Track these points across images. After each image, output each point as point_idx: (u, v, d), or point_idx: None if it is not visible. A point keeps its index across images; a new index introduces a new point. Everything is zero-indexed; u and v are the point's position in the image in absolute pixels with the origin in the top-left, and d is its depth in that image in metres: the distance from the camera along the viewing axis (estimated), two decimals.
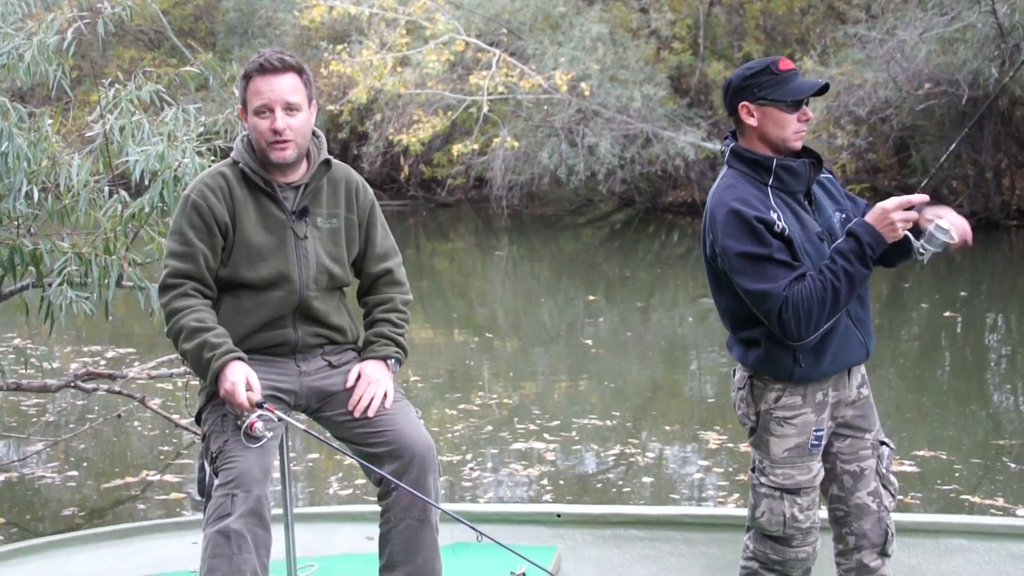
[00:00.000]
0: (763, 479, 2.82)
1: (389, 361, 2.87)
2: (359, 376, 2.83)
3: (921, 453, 5.54)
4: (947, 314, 9.56)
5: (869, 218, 2.66)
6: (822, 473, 2.82)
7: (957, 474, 5.29)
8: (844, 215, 2.84)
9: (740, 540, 2.96)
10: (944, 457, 5.53)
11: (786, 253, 2.66)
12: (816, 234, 2.74)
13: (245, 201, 2.77)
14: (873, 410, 2.89)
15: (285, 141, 2.74)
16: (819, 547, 2.86)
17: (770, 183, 2.74)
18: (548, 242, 16.25)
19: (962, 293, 10.73)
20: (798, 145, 2.76)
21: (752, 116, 2.74)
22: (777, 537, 2.82)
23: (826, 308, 2.63)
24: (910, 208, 2.64)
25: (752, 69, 2.74)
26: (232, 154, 2.85)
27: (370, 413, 2.77)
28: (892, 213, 2.63)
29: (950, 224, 2.65)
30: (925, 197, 2.67)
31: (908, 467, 5.31)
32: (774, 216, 2.67)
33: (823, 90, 2.76)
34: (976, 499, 4.93)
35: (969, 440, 5.99)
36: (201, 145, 4.34)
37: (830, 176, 2.91)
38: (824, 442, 2.81)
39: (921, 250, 2.68)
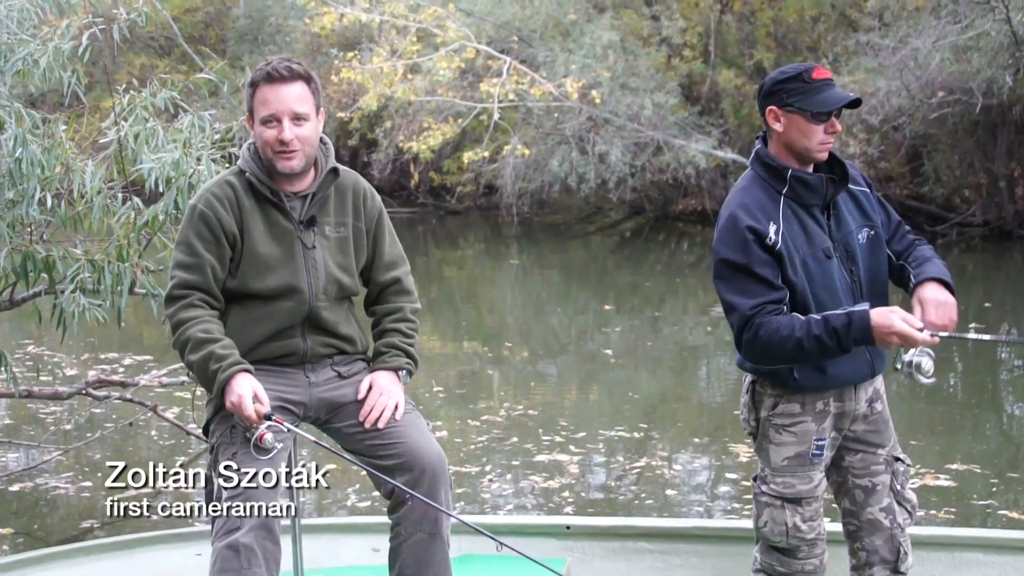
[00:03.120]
0: (764, 487, 2.81)
1: (400, 372, 2.84)
2: (370, 387, 2.80)
3: (955, 467, 5.45)
4: (972, 325, 9.47)
5: (875, 318, 2.57)
6: (824, 483, 2.80)
7: (994, 488, 5.23)
8: (873, 232, 2.80)
9: (751, 553, 2.93)
10: (979, 471, 5.45)
11: (772, 268, 2.65)
12: (823, 250, 2.71)
13: (252, 211, 2.75)
14: (888, 426, 2.85)
15: (292, 151, 2.71)
16: (827, 559, 2.84)
17: (784, 192, 2.72)
18: (557, 250, 16.23)
19: (986, 304, 10.67)
20: (822, 156, 2.73)
21: (778, 121, 2.72)
22: (783, 548, 2.80)
23: (785, 354, 2.63)
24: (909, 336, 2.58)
25: (785, 74, 2.71)
26: (238, 162, 2.83)
27: (380, 424, 2.75)
28: (895, 336, 2.56)
29: (932, 365, 2.59)
30: (934, 340, 2.58)
31: (944, 481, 5.24)
32: (772, 228, 2.66)
33: (855, 104, 2.71)
34: (1014, 515, 4.86)
35: (1004, 454, 5.92)
36: (216, 152, 4.33)
37: (866, 189, 2.84)
38: (827, 453, 2.78)
39: (901, 367, 2.62)
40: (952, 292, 2.71)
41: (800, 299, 2.70)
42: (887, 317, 2.56)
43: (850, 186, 2.81)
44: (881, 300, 2.77)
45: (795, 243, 2.69)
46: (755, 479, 2.85)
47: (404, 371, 2.85)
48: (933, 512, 4.82)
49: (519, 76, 16.27)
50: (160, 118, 4.55)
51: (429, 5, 16.63)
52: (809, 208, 2.73)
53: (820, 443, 2.76)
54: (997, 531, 3.87)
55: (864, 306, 2.60)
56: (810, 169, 2.76)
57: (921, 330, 2.55)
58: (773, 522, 2.78)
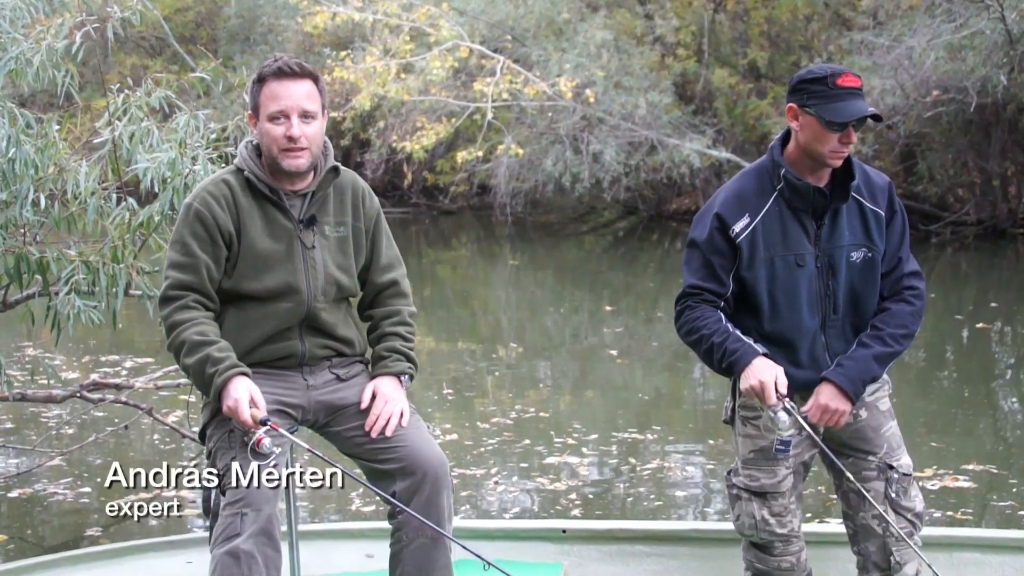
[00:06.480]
0: (735, 479, 2.85)
1: (402, 377, 2.80)
2: (373, 396, 2.76)
3: (971, 467, 5.38)
4: (979, 325, 9.46)
5: (755, 363, 2.64)
6: (790, 480, 2.80)
7: (1014, 489, 5.16)
8: (870, 254, 2.75)
9: None
10: (995, 471, 5.39)
11: (726, 259, 2.70)
12: (796, 256, 2.70)
13: (250, 209, 2.71)
14: (878, 433, 2.82)
15: (300, 149, 2.67)
16: (805, 558, 2.85)
17: (778, 187, 2.72)
18: (551, 250, 16.21)
19: (992, 304, 10.65)
20: (836, 163, 2.70)
21: (796, 120, 2.71)
22: (759, 544, 2.83)
23: (693, 343, 2.76)
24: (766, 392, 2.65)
25: (812, 74, 2.69)
26: (235, 161, 2.78)
27: (388, 433, 2.70)
28: (754, 386, 2.63)
29: (788, 422, 2.64)
30: (778, 416, 2.64)
31: (963, 482, 5.17)
32: (743, 221, 2.69)
33: (875, 119, 2.66)
34: None
35: (1021, 454, 5.89)
36: (212, 152, 4.29)
37: (880, 212, 2.77)
38: (795, 451, 2.77)
39: (768, 417, 2.67)
40: (852, 398, 2.70)
41: (751, 295, 2.73)
42: (762, 372, 2.63)
43: (864, 202, 2.77)
44: (863, 322, 2.77)
45: (768, 240, 2.70)
46: (728, 472, 2.90)
47: (406, 376, 2.81)
48: (951, 514, 4.78)
49: (512, 75, 16.25)
50: (154, 118, 4.50)
51: (422, 4, 16.60)
52: (797, 212, 2.72)
53: (785, 439, 2.75)
54: (995, 531, 3.86)
55: (761, 349, 2.67)
56: (826, 173, 2.73)
57: (778, 399, 2.63)
58: (744, 514, 2.82)
